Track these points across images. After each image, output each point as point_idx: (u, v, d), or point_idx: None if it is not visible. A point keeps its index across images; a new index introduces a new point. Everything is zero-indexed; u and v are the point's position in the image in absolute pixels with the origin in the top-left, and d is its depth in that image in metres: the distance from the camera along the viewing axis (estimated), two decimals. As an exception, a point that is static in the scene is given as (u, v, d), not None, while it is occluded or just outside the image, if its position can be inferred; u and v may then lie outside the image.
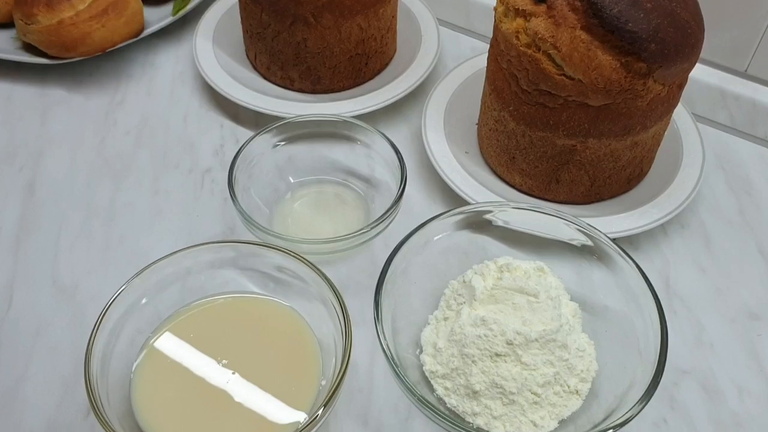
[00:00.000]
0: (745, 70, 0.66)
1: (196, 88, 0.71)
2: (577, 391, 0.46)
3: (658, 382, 0.42)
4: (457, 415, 0.46)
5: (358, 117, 0.61)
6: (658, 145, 0.59)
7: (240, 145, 0.56)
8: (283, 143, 0.58)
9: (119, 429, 0.41)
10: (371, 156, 0.59)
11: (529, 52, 0.51)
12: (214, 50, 0.70)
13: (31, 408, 0.49)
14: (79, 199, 0.61)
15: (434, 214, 0.50)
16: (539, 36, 0.50)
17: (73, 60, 0.69)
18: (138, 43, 0.74)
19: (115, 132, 0.67)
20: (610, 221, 0.56)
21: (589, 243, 0.50)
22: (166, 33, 0.76)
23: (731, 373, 0.51)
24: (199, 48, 0.70)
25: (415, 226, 0.49)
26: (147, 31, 0.72)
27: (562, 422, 0.45)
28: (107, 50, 0.70)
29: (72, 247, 0.58)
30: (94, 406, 0.41)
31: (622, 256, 0.48)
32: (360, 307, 0.53)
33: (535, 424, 0.45)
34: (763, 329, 0.53)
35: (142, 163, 0.64)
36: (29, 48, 0.71)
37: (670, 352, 0.44)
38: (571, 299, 0.50)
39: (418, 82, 0.67)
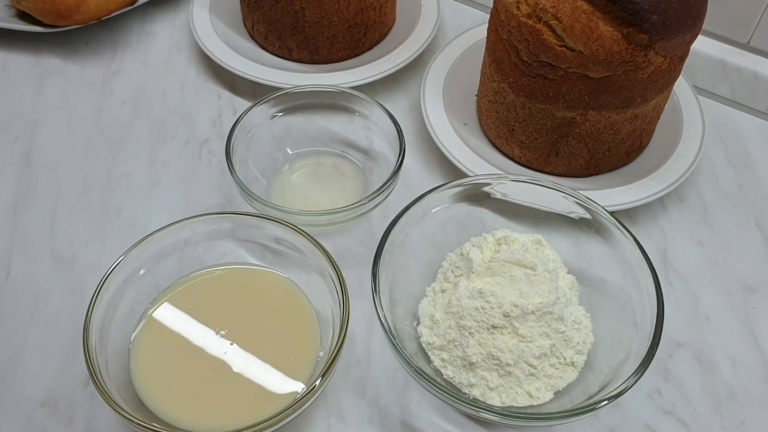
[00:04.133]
0: (748, 42, 0.65)
1: (193, 57, 0.70)
2: (572, 363, 0.46)
3: (654, 355, 0.42)
4: (454, 386, 0.46)
5: (357, 88, 0.60)
6: (658, 118, 0.59)
7: (237, 116, 0.55)
8: (281, 114, 0.58)
9: (118, 399, 0.41)
10: (370, 127, 0.59)
11: (530, 22, 0.50)
12: (211, 19, 0.70)
13: (31, 378, 0.49)
14: (76, 169, 0.61)
15: (432, 186, 0.50)
16: (540, 6, 0.49)
17: (68, 28, 0.68)
18: (134, 11, 0.73)
19: (112, 102, 0.67)
20: (609, 194, 0.56)
21: (587, 216, 0.50)
22: (162, 1, 0.75)
23: (726, 346, 0.51)
24: (195, 16, 0.69)
25: (414, 198, 0.49)
26: (143, -1, 0.72)
27: (558, 393, 0.46)
28: (103, 18, 0.69)
29: (70, 218, 0.58)
30: (93, 376, 0.41)
31: (620, 230, 0.48)
32: (358, 279, 0.53)
33: (530, 395, 0.45)
34: (758, 302, 0.54)
35: (139, 134, 0.64)
36: (23, 16, 0.70)
37: (666, 325, 0.44)
38: (569, 272, 0.50)
39: (417, 53, 0.67)
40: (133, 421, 0.40)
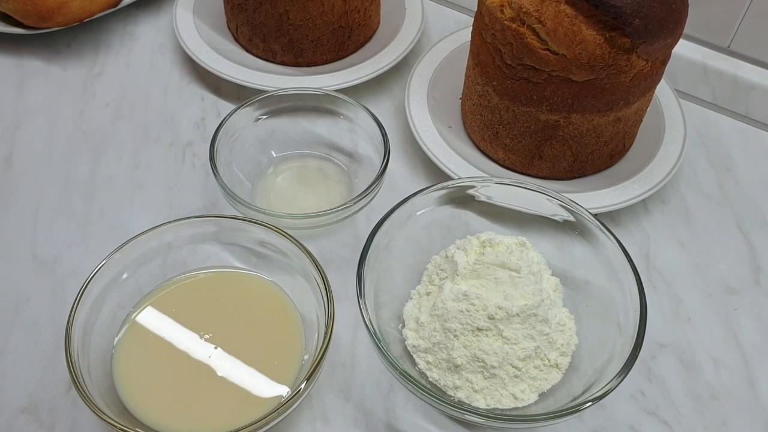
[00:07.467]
0: (728, 46, 0.66)
1: (176, 60, 0.70)
2: (557, 365, 0.46)
3: (637, 356, 0.42)
4: (439, 389, 0.46)
5: (342, 91, 0.60)
6: (641, 121, 0.59)
7: (222, 119, 0.55)
8: (265, 117, 0.58)
9: (101, 404, 0.41)
10: (354, 130, 0.59)
11: (514, 26, 0.50)
12: (194, 21, 0.69)
13: (12, 383, 0.48)
14: (58, 172, 0.60)
15: (417, 189, 0.50)
16: (524, 10, 0.50)
17: (49, 30, 0.68)
18: (116, 13, 0.73)
19: (94, 104, 0.66)
20: (592, 197, 0.57)
21: (571, 218, 0.50)
22: (145, 3, 0.75)
23: (708, 347, 0.52)
24: (179, 19, 0.69)
25: (398, 201, 0.49)
26: (125, 1, 0.71)
27: (542, 395, 0.46)
28: (85, 20, 0.68)
29: (51, 222, 0.57)
30: (75, 381, 0.41)
31: (603, 232, 0.48)
32: (343, 282, 0.53)
33: (515, 397, 0.45)
34: (739, 303, 0.54)
35: (121, 136, 0.63)
36: (4, 17, 0.69)
37: (649, 326, 0.45)
38: (553, 274, 0.50)
39: (402, 56, 0.67)
40: (116, 427, 0.39)
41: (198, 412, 0.43)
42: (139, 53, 0.71)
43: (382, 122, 0.55)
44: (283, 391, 0.44)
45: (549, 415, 0.41)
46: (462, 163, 0.58)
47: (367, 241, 0.47)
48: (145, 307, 0.48)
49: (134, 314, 0.47)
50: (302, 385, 0.41)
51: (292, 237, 0.47)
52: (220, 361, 0.45)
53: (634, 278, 0.46)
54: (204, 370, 0.45)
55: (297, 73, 0.66)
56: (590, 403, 0.41)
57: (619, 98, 0.53)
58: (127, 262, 0.47)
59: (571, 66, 0.50)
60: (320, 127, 0.59)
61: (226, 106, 0.66)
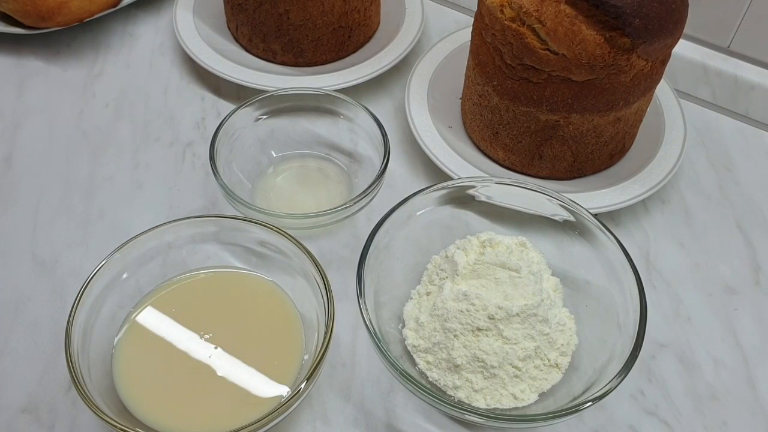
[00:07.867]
0: (728, 46, 0.66)
1: (177, 60, 0.70)
2: (557, 365, 0.46)
3: (637, 356, 0.42)
4: (439, 389, 0.46)
5: (342, 91, 0.60)
6: (641, 121, 0.59)
7: (222, 119, 0.55)
8: (265, 117, 0.58)
9: (101, 404, 0.41)
10: (354, 130, 0.59)
11: (514, 26, 0.50)
12: (194, 21, 0.69)
13: (11, 383, 0.48)
14: (58, 172, 0.61)
15: (417, 189, 0.50)
16: (524, 10, 0.50)
17: (49, 30, 0.68)
18: (116, 13, 0.73)
19: (94, 104, 0.66)
20: (592, 197, 0.57)
21: (571, 218, 0.50)
22: (145, 3, 0.75)
23: (708, 347, 0.52)
24: (179, 19, 0.69)
25: (398, 201, 0.49)
26: (125, 1, 0.71)
27: (542, 395, 0.46)
28: (85, 20, 0.69)
29: (51, 222, 0.57)
30: (75, 380, 0.41)
31: (603, 232, 0.48)
32: (343, 282, 0.53)
33: (515, 397, 0.45)
34: (739, 303, 0.54)
35: (121, 136, 0.63)
36: (4, 17, 0.69)
37: (649, 326, 0.45)
38: (553, 274, 0.50)
39: (402, 56, 0.67)
40: (116, 427, 0.39)
41: (198, 412, 0.43)
42: (139, 53, 0.71)
43: (382, 122, 0.55)
44: (283, 391, 0.44)
45: (549, 415, 0.41)
46: (462, 163, 0.58)
47: (367, 241, 0.47)
48: (145, 307, 0.48)
49: (134, 314, 0.47)
50: (302, 385, 0.41)
51: (292, 237, 0.47)
52: (220, 361, 0.45)
53: (634, 278, 0.46)
54: (204, 370, 0.45)
55: (297, 73, 0.66)
56: (590, 403, 0.41)
57: (619, 98, 0.53)
58: (127, 262, 0.47)
59: (571, 66, 0.50)
60: (320, 127, 0.59)
61: (226, 106, 0.66)
